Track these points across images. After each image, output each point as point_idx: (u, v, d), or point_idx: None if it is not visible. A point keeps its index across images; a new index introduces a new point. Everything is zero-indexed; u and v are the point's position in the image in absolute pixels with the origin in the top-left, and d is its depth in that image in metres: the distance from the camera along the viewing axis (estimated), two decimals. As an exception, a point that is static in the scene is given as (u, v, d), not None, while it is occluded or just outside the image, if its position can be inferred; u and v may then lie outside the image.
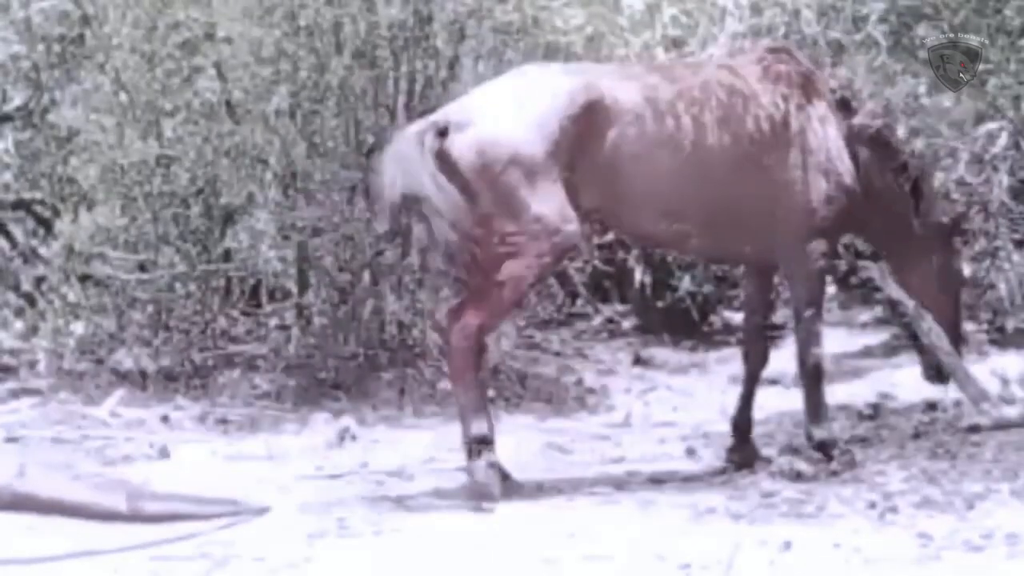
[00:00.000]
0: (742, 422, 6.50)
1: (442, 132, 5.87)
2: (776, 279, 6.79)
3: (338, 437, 7.14)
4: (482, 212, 5.87)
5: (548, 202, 5.85)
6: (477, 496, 5.83)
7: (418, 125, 6.06)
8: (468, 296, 5.97)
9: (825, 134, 6.23)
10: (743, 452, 6.45)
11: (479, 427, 5.89)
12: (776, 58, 6.34)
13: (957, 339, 6.68)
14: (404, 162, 5.89)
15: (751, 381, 6.53)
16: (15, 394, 7.91)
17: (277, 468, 6.64)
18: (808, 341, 6.29)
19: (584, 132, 5.88)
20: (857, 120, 6.36)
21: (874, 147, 6.37)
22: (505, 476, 5.99)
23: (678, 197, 6.05)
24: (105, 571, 5.10)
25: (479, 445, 5.88)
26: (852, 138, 6.30)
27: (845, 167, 6.25)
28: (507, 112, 5.89)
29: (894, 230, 6.45)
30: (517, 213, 5.85)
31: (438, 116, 6.04)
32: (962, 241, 6.91)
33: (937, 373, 6.74)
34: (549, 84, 5.96)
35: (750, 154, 6.10)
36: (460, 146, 5.85)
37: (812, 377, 6.31)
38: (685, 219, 6.11)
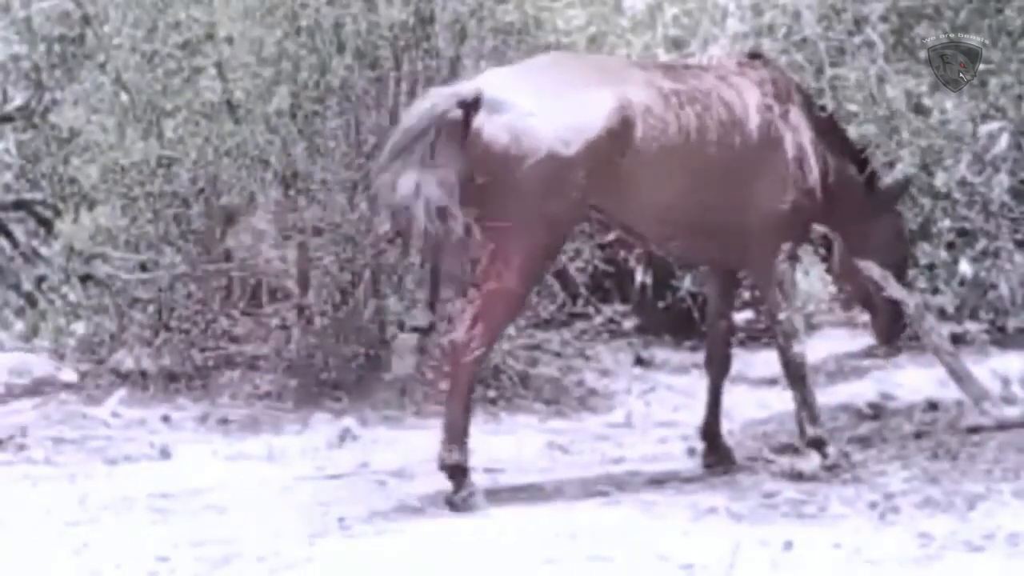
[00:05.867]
0: (710, 429, 6.59)
1: (471, 105, 5.76)
2: (735, 284, 6.84)
3: (339, 437, 7.15)
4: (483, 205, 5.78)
5: (558, 202, 5.84)
6: (457, 510, 5.83)
7: (445, 95, 5.88)
8: (473, 309, 5.85)
9: (799, 142, 6.32)
10: (716, 455, 6.55)
11: (458, 455, 5.87)
12: (755, 66, 6.39)
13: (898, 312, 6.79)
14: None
15: (716, 388, 6.60)
16: (16, 394, 7.92)
17: (278, 468, 6.64)
18: (788, 342, 6.33)
19: (615, 146, 5.87)
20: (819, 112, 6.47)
21: (828, 134, 6.47)
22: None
23: (674, 201, 6.07)
24: (105, 569, 5.10)
25: (455, 475, 5.87)
26: (819, 138, 6.39)
27: (815, 174, 6.35)
28: (550, 107, 5.81)
29: (850, 210, 6.51)
30: (524, 207, 5.78)
31: (469, 87, 5.90)
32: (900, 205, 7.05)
33: (887, 340, 6.84)
34: (596, 92, 5.89)
35: (735, 161, 6.15)
36: (494, 127, 5.74)
37: (797, 376, 6.36)
38: (675, 222, 6.14)
